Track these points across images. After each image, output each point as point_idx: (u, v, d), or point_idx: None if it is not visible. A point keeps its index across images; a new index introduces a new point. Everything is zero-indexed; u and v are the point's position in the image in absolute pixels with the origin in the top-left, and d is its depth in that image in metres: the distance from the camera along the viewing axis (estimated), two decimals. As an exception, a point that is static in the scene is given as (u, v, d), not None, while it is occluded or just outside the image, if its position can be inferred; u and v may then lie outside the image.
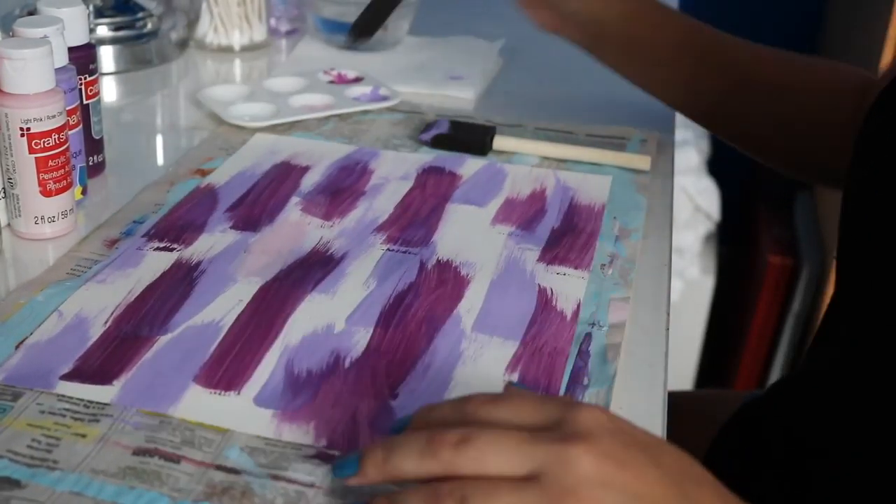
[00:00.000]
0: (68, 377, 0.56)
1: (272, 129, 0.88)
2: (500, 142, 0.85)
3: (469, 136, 0.86)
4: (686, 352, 1.74)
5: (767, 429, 0.71)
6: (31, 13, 0.75)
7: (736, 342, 1.72)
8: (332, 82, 0.97)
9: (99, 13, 1.01)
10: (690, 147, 1.67)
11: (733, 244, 1.83)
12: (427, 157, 0.84)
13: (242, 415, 0.53)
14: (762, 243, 1.63)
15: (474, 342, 0.60)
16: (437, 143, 0.86)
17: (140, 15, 1.03)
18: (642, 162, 0.83)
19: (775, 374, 1.62)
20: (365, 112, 0.92)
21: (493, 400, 0.45)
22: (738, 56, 0.81)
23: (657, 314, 0.64)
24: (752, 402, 0.78)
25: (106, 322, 0.61)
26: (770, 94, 0.80)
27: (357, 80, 0.98)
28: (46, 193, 0.68)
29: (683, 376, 1.75)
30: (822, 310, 1.50)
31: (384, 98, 0.94)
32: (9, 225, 0.70)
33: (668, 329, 0.63)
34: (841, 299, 0.66)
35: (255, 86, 0.96)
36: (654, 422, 0.55)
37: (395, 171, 0.81)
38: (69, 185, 0.70)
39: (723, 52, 0.81)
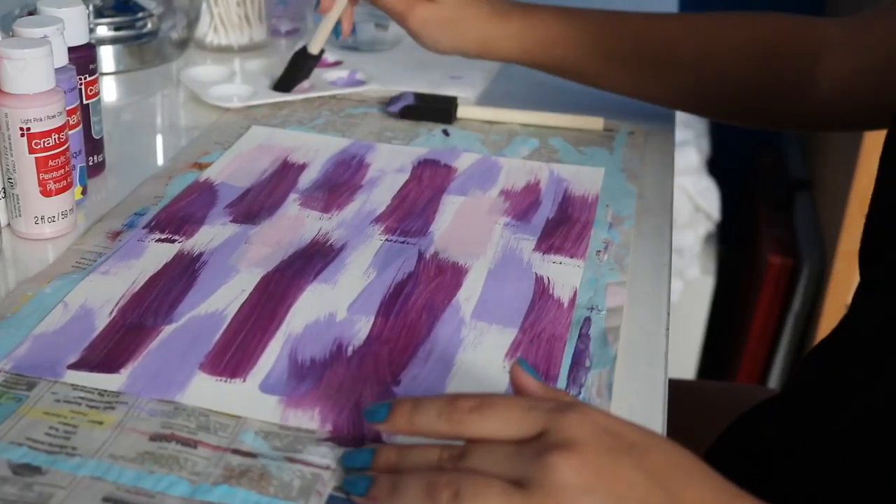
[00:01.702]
0: (76, 366, 0.56)
1: (265, 119, 0.90)
2: (463, 110, 0.91)
3: (435, 106, 0.91)
4: (686, 352, 1.74)
5: (784, 428, 0.70)
6: (31, 13, 0.75)
7: (736, 342, 1.72)
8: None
9: (99, 13, 1.01)
10: (690, 147, 1.67)
11: (733, 244, 1.83)
12: (422, 150, 0.85)
13: (249, 401, 0.54)
14: (762, 243, 1.63)
15: (474, 329, 0.61)
16: (405, 114, 0.90)
17: (140, 15, 1.03)
18: (595, 123, 0.90)
19: (775, 374, 1.62)
20: (356, 105, 0.94)
21: (479, 407, 0.46)
22: (649, 38, 0.86)
23: (657, 314, 0.65)
24: (771, 399, 0.77)
25: (111, 312, 0.61)
26: (690, 65, 0.85)
27: (336, 63, 1.01)
28: (46, 193, 0.68)
29: (684, 376, 1.75)
30: (822, 310, 1.50)
31: (360, 83, 0.97)
32: (9, 225, 0.70)
33: (668, 329, 0.63)
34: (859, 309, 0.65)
35: (238, 67, 1.00)
36: (654, 422, 0.55)
37: (392, 164, 0.82)
38: (69, 185, 0.70)
39: (631, 38, 0.86)
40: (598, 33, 0.85)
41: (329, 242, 0.70)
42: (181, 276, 0.65)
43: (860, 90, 0.78)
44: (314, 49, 0.92)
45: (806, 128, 0.91)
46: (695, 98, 0.87)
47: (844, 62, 0.80)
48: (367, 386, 0.56)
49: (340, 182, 0.79)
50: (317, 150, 0.84)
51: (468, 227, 0.73)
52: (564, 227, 0.73)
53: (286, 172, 0.80)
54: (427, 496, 0.44)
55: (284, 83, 0.94)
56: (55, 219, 0.69)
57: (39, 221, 0.69)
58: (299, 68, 0.94)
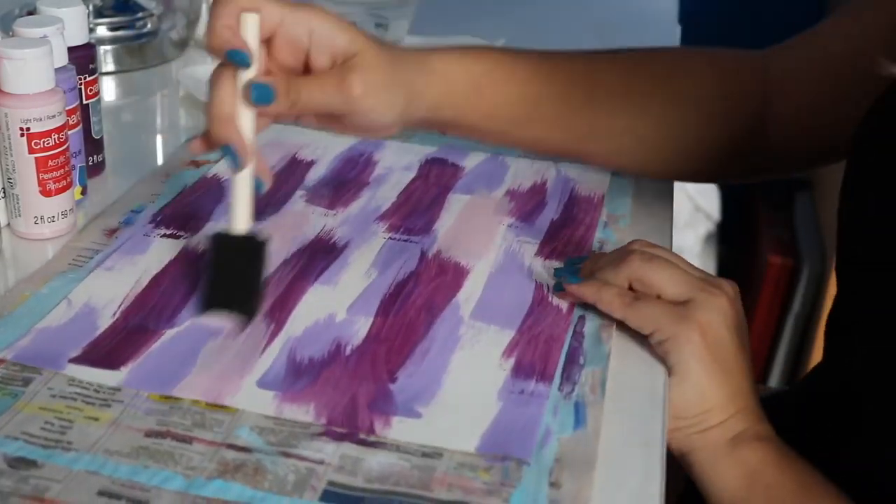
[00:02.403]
0: (77, 360, 0.57)
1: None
2: None
3: None
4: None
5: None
6: (31, 13, 0.75)
7: (736, 342, 1.72)
8: None
9: (98, 13, 1.02)
10: (690, 147, 1.67)
11: (733, 244, 1.83)
12: (430, 148, 0.85)
13: (245, 396, 0.55)
14: (762, 243, 1.63)
15: (472, 329, 0.61)
16: None
17: (140, 15, 1.03)
18: None
19: (776, 374, 1.62)
20: None
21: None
22: (602, 77, 0.72)
23: (658, 314, 0.64)
24: (770, 398, 0.77)
25: (114, 314, 0.61)
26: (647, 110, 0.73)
27: None
28: (46, 193, 0.68)
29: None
30: (822, 310, 1.50)
31: None
32: (8, 225, 0.70)
33: (668, 329, 0.63)
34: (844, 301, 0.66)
35: None
36: (654, 420, 0.55)
37: (399, 162, 0.82)
38: (69, 185, 0.70)
39: (581, 78, 0.72)
40: (544, 73, 0.70)
41: (332, 240, 0.70)
42: (185, 275, 0.65)
43: (812, 125, 0.72)
44: (240, 225, 0.60)
45: (762, 174, 0.82)
46: (649, 151, 0.74)
47: (792, 98, 0.72)
48: (363, 383, 0.56)
49: (347, 179, 0.79)
50: (326, 147, 0.84)
51: (472, 227, 0.73)
52: (568, 229, 0.73)
53: (294, 169, 0.81)
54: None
55: (224, 299, 0.59)
56: (55, 219, 0.69)
57: (39, 221, 0.69)
58: (237, 268, 0.59)
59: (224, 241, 0.60)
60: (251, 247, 0.60)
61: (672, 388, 0.58)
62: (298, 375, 0.57)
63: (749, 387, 0.60)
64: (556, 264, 0.69)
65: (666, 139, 0.74)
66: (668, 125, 0.73)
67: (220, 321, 0.60)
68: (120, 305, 0.62)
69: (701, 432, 0.58)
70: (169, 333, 0.60)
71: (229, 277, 0.59)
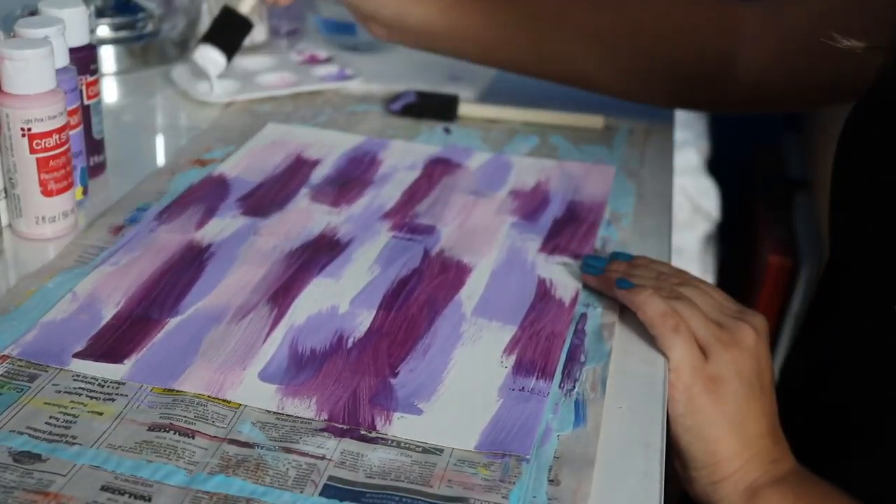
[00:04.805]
0: (81, 355, 0.57)
1: (268, 116, 0.90)
2: (465, 108, 0.92)
3: (436, 104, 0.91)
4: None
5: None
6: (33, 13, 0.75)
7: (736, 342, 1.72)
8: (303, 62, 1.01)
9: (100, 13, 1.02)
10: (690, 147, 1.67)
11: (733, 244, 1.83)
12: (435, 148, 0.85)
13: (247, 389, 0.55)
14: (762, 243, 1.63)
15: (474, 325, 0.62)
16: (407, 111, 0.91)
17: (140, 15, 1.04)
18: (595, 121, 0.91)
19: (775, 373, 1.63)
20: (359, 103, 0.95)
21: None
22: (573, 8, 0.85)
23: (657, 313, 0.64)
24: None
25: (118, 304, 0.62)
26: (614, 41, 0.84)
27: (327, 60, 1.02)
28: (47, 193, 0.68)
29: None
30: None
31: (348, 77, 0.98)
32: (9, 225, 0.70)
33: (668, 329, 0.63)
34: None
35: (230, 64, 0.99)
36: (654, 419, 0.56)
37: (404, 161, 0.83)
38: (70, 186, 0.70)
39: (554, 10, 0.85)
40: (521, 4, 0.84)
41: (336, 237, 0.71)
42: (189, 267, 0.66)
43: (781, 71, 0.78)
44: (244, 8, 0.88)
45: (729, 109, 0.92)
46: (618, 76, 0.86)
47: (765, 42, 0.79)
48: (364, 377, 0.56)
49: (352, 178, 0.80)
50: (331, 146, 0.85)
51: (475, 226, 0.73)
52: (571, 227, 0.74)
53: (299, 167, 0.81)
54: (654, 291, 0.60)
55: (209, 37, 0.90)
56: (56, 219, 0.69)
57: (40, 222, 0.69)
58: (224, 26, 0.90)
59: (225, 11, 0.89)
60: (238, 19, 0.88)
61: (680, 434, 0.58)
62: (300, 367, 0.57)
63: (764, 429, 0.59)
64: (559, 260, 0.69)
65: (628, 71, 0.84)
66: (630, 60, 0.84)
67: None
68: (125, 295, 0.63)
69: (713, 483, 0.58)
70: (172, 322, 0.60)
71: (218, 30, 0.89)
